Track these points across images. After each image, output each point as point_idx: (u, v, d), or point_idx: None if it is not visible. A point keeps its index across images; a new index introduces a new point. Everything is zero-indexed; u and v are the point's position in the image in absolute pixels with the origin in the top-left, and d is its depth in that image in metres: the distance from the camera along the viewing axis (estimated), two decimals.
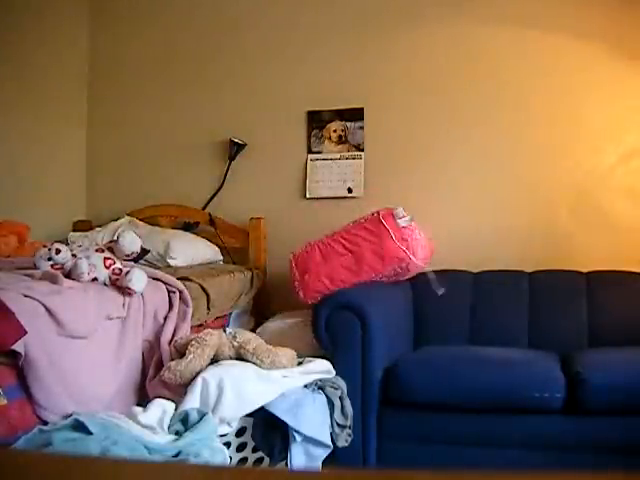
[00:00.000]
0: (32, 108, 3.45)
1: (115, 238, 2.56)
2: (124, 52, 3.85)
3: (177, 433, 1.81)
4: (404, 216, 2.79)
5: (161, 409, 1.86)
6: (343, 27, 3.49)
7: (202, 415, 1.86)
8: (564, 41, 3.19)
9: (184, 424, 1.84)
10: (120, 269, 2.30)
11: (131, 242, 2.44)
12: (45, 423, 1.83)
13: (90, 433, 1.64)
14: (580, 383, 2.29)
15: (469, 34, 3.32)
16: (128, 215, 3.61)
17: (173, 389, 2.08)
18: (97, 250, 2.35)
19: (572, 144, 3.19)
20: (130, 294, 2.26)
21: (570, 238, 3.15)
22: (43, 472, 0.52)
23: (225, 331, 2.45)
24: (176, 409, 1.91)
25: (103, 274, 2.27)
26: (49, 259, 2.23)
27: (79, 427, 1.67)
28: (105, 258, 2.30)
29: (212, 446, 1.79)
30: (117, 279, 2.27)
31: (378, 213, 2.85)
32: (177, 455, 1.70)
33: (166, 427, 1.82)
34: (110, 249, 2.41)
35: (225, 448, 1.90)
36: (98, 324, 2.12)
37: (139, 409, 1.87)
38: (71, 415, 1.77)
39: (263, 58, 3.60)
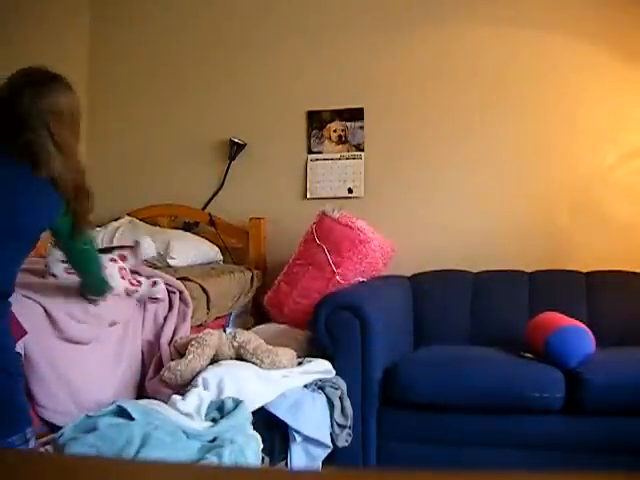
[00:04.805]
0: None
1: (123, 244, 2.58)
2: (124, 52, 3.84)
3: (213, 420, 1.89)
4: (334, 210, 2.97)
5: (198, 397, 1.93)
6: (343, 27, 3.48)
7: (237, 403, 1.92)
8: (564, 41, 3.19)
9: (220, 412, 1.91)
10: (139, 281, 2.32)
11: (148, 248, 2.48)
12: (45, 423, 1.84)
13: (132, 419, 1.70)
14: (580, 383, 2.29)
15: (469, 34, 3.32)
16: (128, 215, 3.61)
17: (173, 388, 2.08)
18: (111, 260, 2.29)
19: (572, 144, 3.19)
20: (156, 303, 2.37)
21: (570, 238, 3.15)
22: (43, 472, 0.52)
23: (225, 331, 2.46)
24: None
25: (118, 284, 2.22)
26: (63, 261, 2.18)
27: (122, 413, 1.72)
28: (120, 268, 2.28)
29: (246, 432, 1.86)
30: (136, 290, 2.28)
31: (314, 223, 2.98)
32: (213, 440, 1.78)
33: (203, 414, 1.89)
34: (122, 257, 2.38)
35: (258, 435, 1.93)
36: (101, 331, 2.12)
37: (178, 397, 1.93)
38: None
39: (263, 58, 3.60)
